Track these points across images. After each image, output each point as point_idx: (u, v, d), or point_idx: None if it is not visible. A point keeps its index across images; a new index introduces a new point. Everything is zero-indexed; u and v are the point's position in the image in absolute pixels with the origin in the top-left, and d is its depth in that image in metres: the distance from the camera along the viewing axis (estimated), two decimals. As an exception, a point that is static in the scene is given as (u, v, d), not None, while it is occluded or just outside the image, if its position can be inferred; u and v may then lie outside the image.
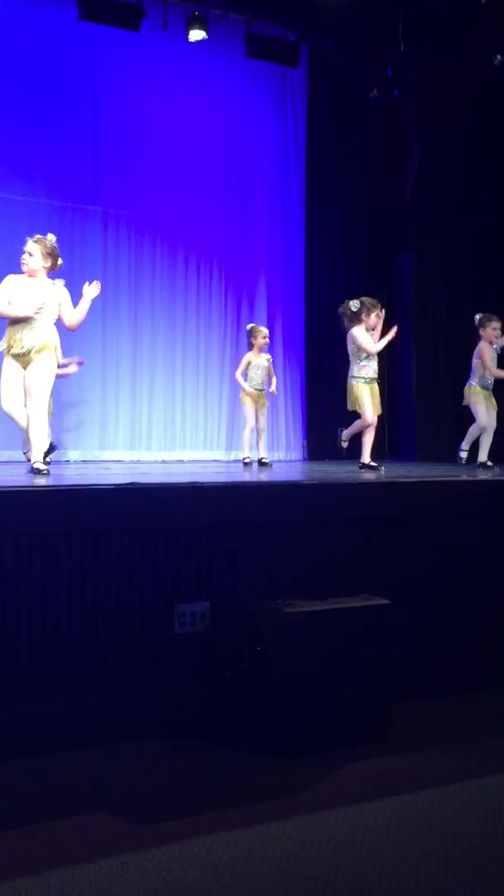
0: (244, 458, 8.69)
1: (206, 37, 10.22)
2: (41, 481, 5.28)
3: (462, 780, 3.75)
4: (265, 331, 8.81)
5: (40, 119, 10.00)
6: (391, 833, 3.25)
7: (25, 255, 5.92)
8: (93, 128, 10.37)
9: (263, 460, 8.65)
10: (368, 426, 7.43)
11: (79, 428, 10.27)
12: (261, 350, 8.63)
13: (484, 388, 8.02)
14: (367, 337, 7.38)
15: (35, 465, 5.76)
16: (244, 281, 11.33)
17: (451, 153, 10.56)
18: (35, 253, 5.91)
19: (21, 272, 5.97)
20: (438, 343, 10.62)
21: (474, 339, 8.17)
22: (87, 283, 6.20)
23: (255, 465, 8.58)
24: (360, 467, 7.34)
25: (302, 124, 11.65)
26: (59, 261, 6.05)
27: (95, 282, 6.23)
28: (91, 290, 6.18)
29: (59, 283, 6.01)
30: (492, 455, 8.03)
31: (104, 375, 10.42)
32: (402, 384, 11.63)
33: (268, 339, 8.79)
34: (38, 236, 6.00)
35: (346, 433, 7.72)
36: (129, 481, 4.77)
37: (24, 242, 6.04)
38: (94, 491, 4.50)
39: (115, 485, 4.61)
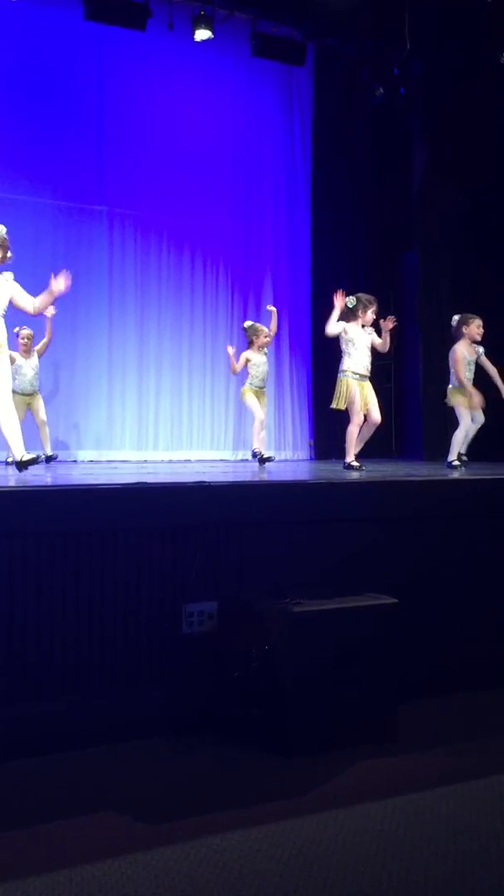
0: (260, 455, 8.59)
1: (212, 36, 10.24)
2: (36, 481, 5.25)
3: (470, 779, 3.75)
4: (266, 329, 8.76)
5: (45, 119, 10.02)
6: (400, 832, 3.24)
7: None
8: (98, 127, 10.39)
9: (266, 456, 8.61)
10: (360, 423, 7.26)
11: (85, 428, 10.29)
12: (261, 348, 8.59)
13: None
14: (336, 324, 7.27)
15: (22, 458, 5.67)
16: (250, 280, 11.34)
17: (456, 151, 10.56)
18: None
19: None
20: (444, 342, 10.59)
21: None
22: (53, 274, 5.84)
23: (257, 459, 8.54)
24: (345, 467, 7.24)
25: (308, 123, 11.66)
26: (9, 254, 5.82)
27: (64, 273, 5.86)
28: (57, 284, 5.81)
29: (8, 275, 5.82)
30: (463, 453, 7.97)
31: (111, 375, 10.44)
32: (408, 383, 11.64)
33: (269, 339, 8.72)
34: None
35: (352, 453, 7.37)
36: (136, 481, 4.78)
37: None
38: (102, 490, 4.51)
39: (122, 484, 4.61)
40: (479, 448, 8.22)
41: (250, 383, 8.55)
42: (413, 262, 11.32)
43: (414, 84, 11.05)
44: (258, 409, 8.57)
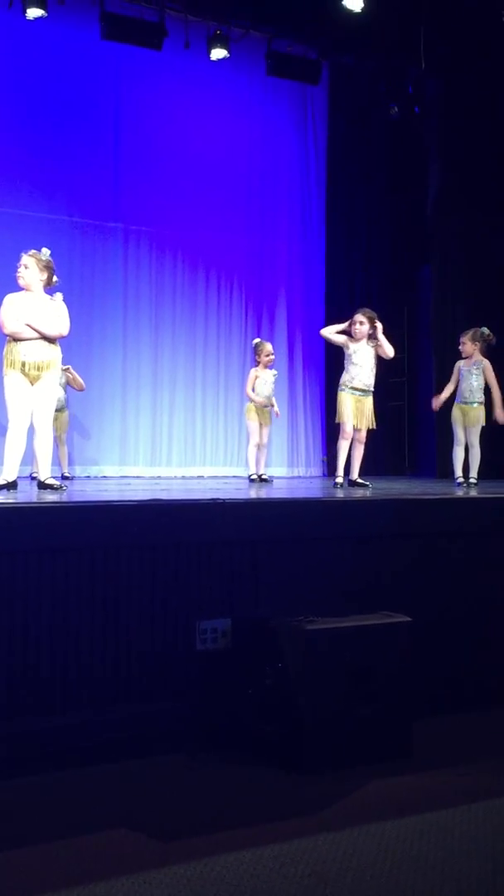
0: (250, 475, 8.66)
1: (228, 55, 10.31)
2: (53, 497, 5.28)
3: (485, 798, 3.72)
4: (269, 346, 8.77)
5: (61, 136, 10.11)
6: (415, 851, 3.22)
7: (21, 269, 5.75)
8: (113, 145, 10.47)
9: (263, 476, 8.60)
10: (349, 439, 7.21)
11: (99, 443, 10.31)
12: (266, 366, 8.61)
13: (462, 403, 8.01)
14: (337, 336, 7.34)
15: (46, 481, 5.75)
16: (264, 296, 11.38)
17: (471, 167, 10.58)
18: (31, 266, 5.74)
19: (17, 289, 5.81)
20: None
21: (495, 352, 8.20)
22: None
23: (260, 480, 8.53)
24: (335, 485, 7.21)
25: (322, 140, 11.72)
26: (55, 278, 5.87)
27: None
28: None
29: (58, 297, 5.89)
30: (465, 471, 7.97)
31: (125, 391, 10.47)
32: (421, 398, 11.63)
33: (272, 356, 8.70)
34: (33, 250, 5.82)
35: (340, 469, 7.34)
36: (150, 497, 4.78)
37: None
38: (116, 507, 4.51)
39: (136, 501, 4.62)
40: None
41: (253, 401, 8.54)
42: (427, 277, 11.33)
43: (429, 102, 11.09)
44: (255, 433, 8.54)
